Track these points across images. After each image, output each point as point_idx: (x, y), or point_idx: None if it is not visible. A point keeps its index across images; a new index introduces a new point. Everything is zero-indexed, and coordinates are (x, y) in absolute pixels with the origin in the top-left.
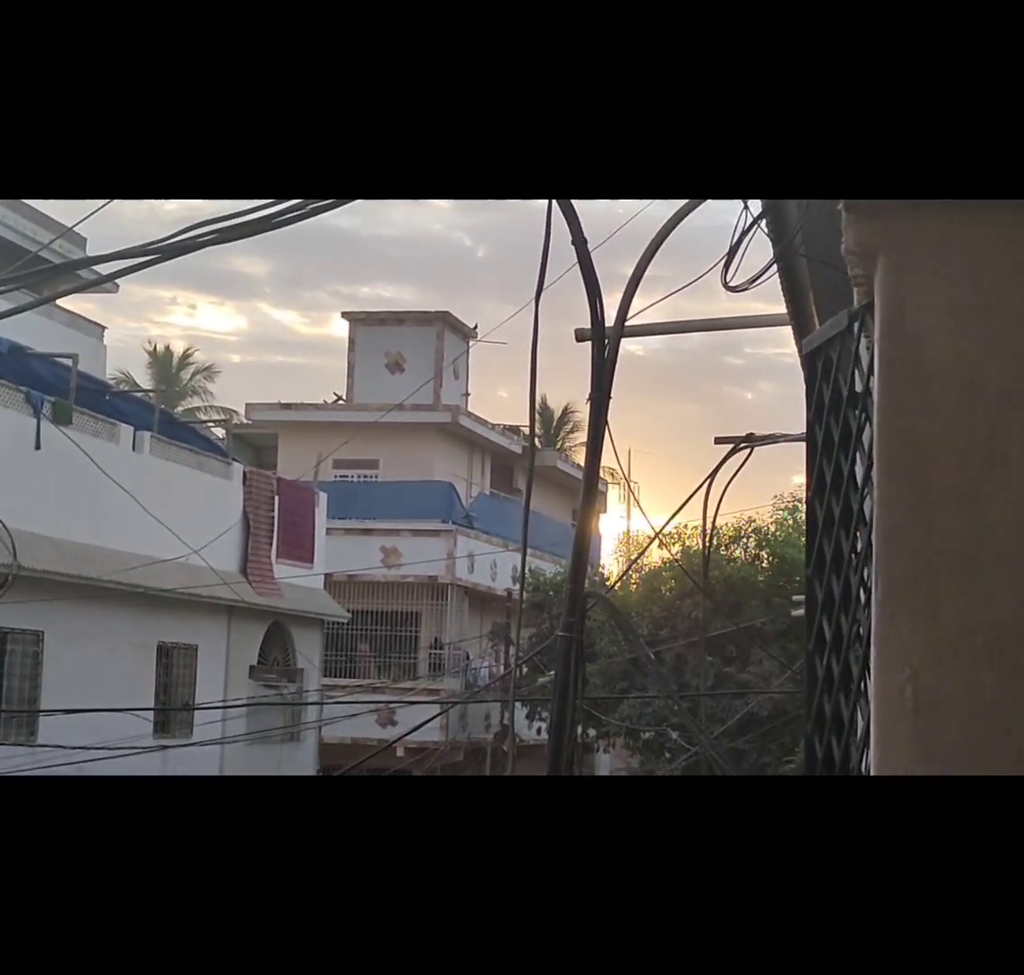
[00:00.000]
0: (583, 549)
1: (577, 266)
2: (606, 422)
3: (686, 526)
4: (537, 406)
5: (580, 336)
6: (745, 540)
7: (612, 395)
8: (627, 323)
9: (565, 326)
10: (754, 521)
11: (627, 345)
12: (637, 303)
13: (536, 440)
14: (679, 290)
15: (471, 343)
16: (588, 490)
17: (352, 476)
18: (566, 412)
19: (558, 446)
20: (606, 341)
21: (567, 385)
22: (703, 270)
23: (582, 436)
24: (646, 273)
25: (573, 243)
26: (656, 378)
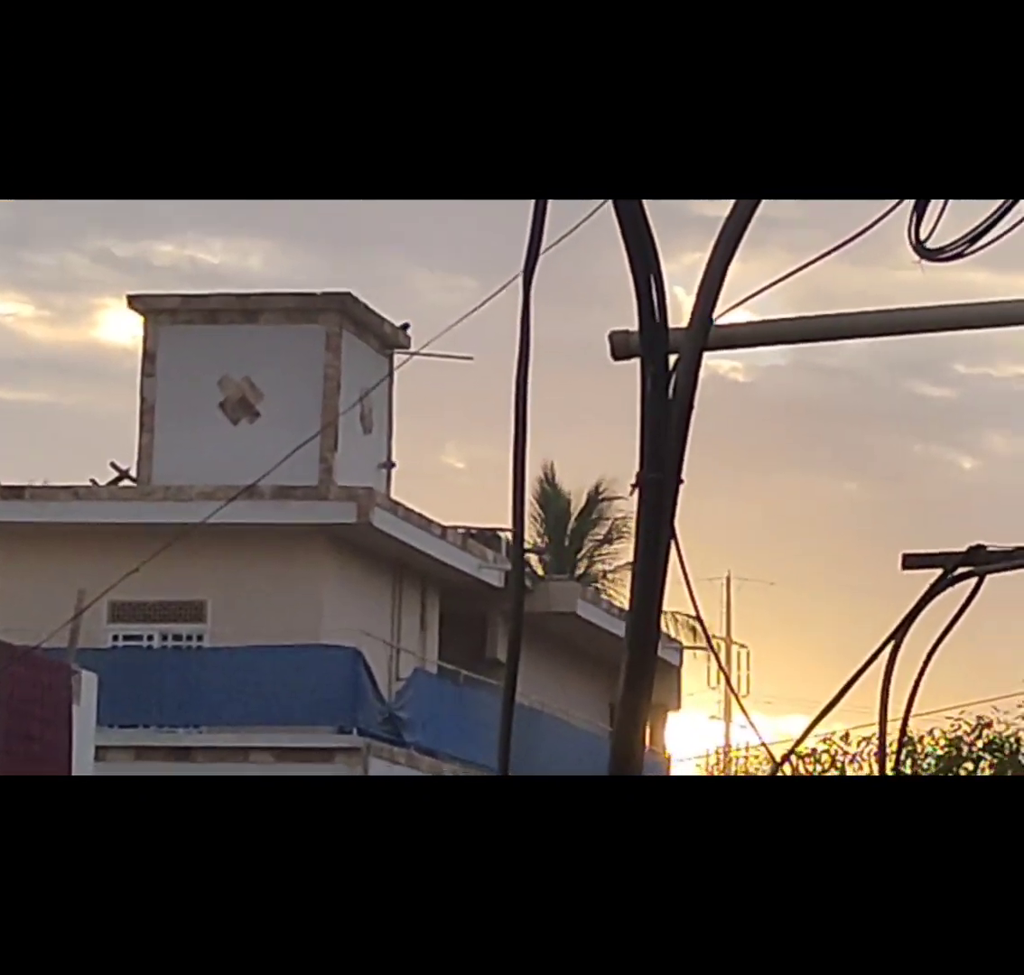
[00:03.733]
0: None
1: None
2: (673, 533)
3: (847, 736)
4: (533, 486)
5: (620, 349)
6: (972, 760)
7: (683, 474)
8: (719, 320)
9: (591, 329)
10: (988, 725)
11: (716, 362)
12: (736, 275)
13: (534, 560)
14: (825, 255)
15: (398, 360)
16: (636, 665)
17: (151, 637)
18: (594, 499)
19: (579, 572)
20: (670, 361)
21: (596, 444)
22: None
23: (626, 552)
24: (755, 216)
25: None
26: (777, 428)
